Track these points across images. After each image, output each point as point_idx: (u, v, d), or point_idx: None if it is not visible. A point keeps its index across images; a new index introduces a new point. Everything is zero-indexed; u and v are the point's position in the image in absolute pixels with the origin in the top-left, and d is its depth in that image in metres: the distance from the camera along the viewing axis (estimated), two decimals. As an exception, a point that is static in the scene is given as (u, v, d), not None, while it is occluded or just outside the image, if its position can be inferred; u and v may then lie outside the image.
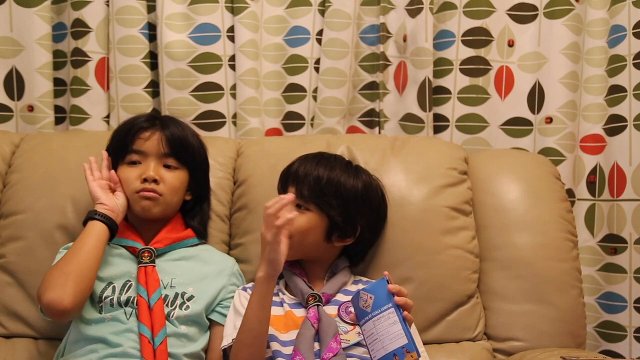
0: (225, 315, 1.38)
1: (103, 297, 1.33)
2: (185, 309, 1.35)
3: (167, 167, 1.42)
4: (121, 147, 1.43)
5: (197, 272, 1.41)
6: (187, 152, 1.45)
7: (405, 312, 1.18)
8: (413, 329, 1.33)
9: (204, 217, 1.52)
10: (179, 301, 1.35)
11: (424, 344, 1.38)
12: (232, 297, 1.40)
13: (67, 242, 1.48)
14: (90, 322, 1.31)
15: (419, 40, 1.81)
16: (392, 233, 1.50)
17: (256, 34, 1.82)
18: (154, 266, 1.37)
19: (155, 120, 1.46)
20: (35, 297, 1.31)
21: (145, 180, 1.38)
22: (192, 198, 1.49)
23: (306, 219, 1.36)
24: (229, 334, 1.31)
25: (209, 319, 1.39)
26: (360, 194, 1.40)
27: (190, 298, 1.36)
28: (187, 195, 1.48)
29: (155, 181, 1.39)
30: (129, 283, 1.35)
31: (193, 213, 1.50)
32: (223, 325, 1.36)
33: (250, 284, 1.42)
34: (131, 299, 1.32)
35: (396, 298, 1.17)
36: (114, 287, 1.34)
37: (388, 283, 1.19)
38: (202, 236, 1.51)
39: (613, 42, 1.82)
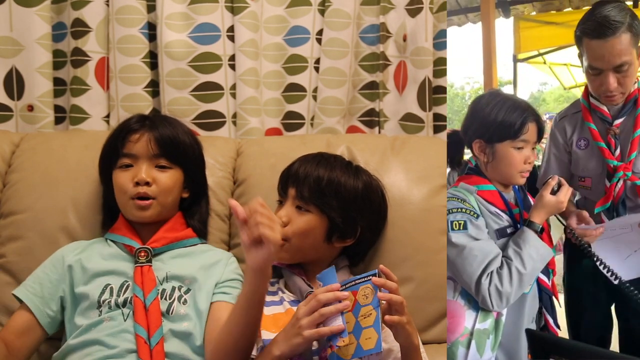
0: (224, 294, 1.34)
1: (102, 301, 1.31)
2: (183, 303, 1.33)
3: (159, 167, 1.41)
4: (113, 151, 1.43)
5: (193, 265, 1.38)
6: (179, 150, 1.43)
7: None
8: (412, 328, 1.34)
9: (202, 214, 1.52)
10: (176, 294, 1.34)
11: (424, 343, 1.38)
12: (230, 279, 1.38)
13: (68, 242, 1.48)
14: (89, 325, 1.29)
15: (419, 40, 1.81)
16: (392, 233, 1.50)
17: (256, 34, 1.82)
18: (150, 266, 1.36)
19: (145, 121, 1.45)
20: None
21: (137, 183, 1.38)
22: (189, 195, 1.49)
23: (306, 220, 1.35)
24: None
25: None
26: (360, 195, 1.39)
27: (188, 291, 1.35)
28: (184, 193, 1.47)
29: (147, 183, 1.38)
30: (127, 284, 1.34)
31: (192, 211, 1.50)
32: (224, 302, 1.33)
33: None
34: (128, 299, 1.31)
35: (379, 294, 1.12)
36: (111, 289, 1.33)
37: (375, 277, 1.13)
38: (203, 235, 1.50)
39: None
